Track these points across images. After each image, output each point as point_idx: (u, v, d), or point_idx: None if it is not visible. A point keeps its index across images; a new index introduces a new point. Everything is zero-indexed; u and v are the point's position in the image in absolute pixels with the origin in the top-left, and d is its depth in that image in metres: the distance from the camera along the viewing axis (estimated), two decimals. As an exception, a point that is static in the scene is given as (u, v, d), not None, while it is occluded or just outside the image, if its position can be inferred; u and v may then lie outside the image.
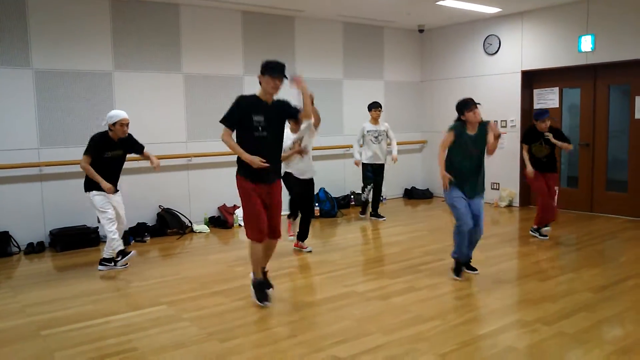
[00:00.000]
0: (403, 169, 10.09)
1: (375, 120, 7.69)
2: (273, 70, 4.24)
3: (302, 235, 6.16)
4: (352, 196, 9.08)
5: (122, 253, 5.61)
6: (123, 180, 6.95)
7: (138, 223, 7.10)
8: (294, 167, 5.99)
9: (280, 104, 4.43)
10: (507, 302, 4.40)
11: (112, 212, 5.48)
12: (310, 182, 6.10)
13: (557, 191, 6.59)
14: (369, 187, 7.80)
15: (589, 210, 8.22)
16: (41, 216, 6.63)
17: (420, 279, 5.02)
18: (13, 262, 6.06)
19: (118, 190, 5.64)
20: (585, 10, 7.76)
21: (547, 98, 8.60)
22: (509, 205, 8.89)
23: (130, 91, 7.14)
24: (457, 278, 4.96)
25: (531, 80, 8.76)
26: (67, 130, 6.71)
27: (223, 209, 7.83)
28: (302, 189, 6.06)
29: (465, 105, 4.87)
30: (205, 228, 7.51)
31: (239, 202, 7.94)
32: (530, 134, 6.49)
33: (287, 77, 4.29)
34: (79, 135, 6.62)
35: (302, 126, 5.52)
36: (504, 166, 8.85)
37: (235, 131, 4.33)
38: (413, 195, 9.98)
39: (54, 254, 6.37)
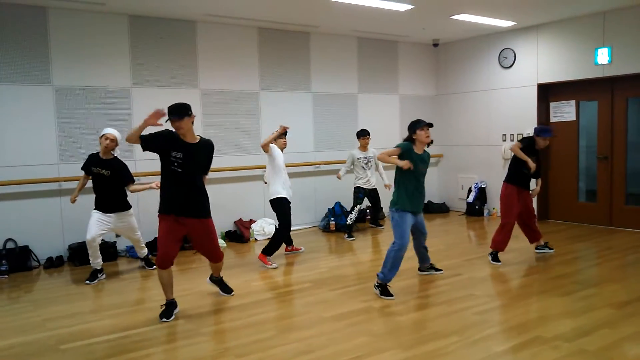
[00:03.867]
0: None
1: (364, 148, 7.84)
2: (168, 115, 4.35)
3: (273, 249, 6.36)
4: (367, 210, 9.06)
5: (93, 275, 5.80)
6: (140, 195, 7.01)
7: (155, 237, 7.14)
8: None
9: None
10: (526, 318, 4.35)
11: (92, 236, 5.62)
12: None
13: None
14: (357, 207, 7.82)
15: (608, 225, 8.12)
16: (60, 231, 6.71)
17: (438, 294, 4.99)
18: (33, 276, 6.13)
19: (119, 212, 5.83)
20: (602, 22, 7.73)
21: (564, 111, 8.55)
22: (526, 219, 8.80)
23: (147, 107, 7.16)
24: (389, 297, 4.91)
25: (547, 93, 8.73)
26: (86, 146, 6.79)
27: (239, 223, 7.86)
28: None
29: (418, 124, 5.02)
30: (221, 242, 7.53)
31: (255, 216, 8.05)
32: (530, 147, 6.13)
33: (179, 116, 4.32)
34: (97, 151, 6.70)
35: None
36: (520, 180, 8.79)
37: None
38: (429, 209, 9.92)
39: (73, 268, 6.44)
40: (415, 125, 5.00)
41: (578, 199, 8.58)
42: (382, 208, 8.59)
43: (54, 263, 6.51)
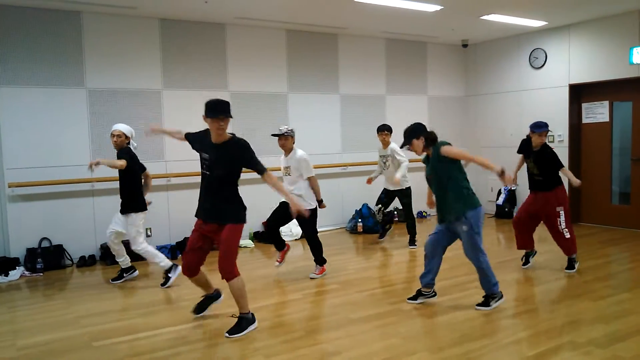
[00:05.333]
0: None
1: (383, 145, 7.20)
2: (213, 112, 4.05)
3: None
4: (395, 212, 9.03)
5: (120, 274, 5.87)
6: (170, 196, 7.21)
7: (185, 237, 7.24)
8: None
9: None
10: (557, 322, 4.27)
11: (107, 233, 5.75)
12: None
13: (560, 213, 5.65)
14: (376, 207, 7.43)
15: (643, 228, 7.93)
16: (92, 230, 6.85)
17: (468, 297, 4.93)
18: (66, 274, 6.27)
19: (129, 219, 5.57)
20: (637, 20, 7.55)
21: (597, 112, 8.38)
22: (558, 222, 8.65)
23: (178, 109, 7.34)
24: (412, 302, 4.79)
25: (579, 94, 8.56)
26: (118, 147, 6.94)
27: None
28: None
29: (414, 135, 4.58)
30: (250, 243, 7.61)
31: (283, 218, 8.08)
32: (524, 146, 5.86)
33: (227, 115, 4.05)
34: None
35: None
36: (551, 182, 8.65)
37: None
38: (457, 211, 9.82)
39: (105, 267, 6.57)
40: (412, 136, 4.59)
41: (611, 202, 8.40)
42: (414, 218, 7.50)
43: (86, 262, 6.65)
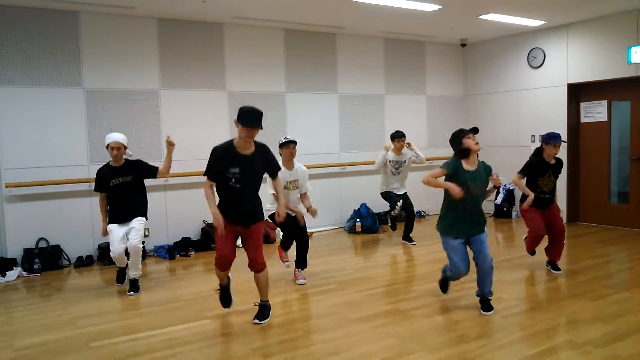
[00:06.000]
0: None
1: (398, 151, 7.15)
2: (248, 121, 4.07)
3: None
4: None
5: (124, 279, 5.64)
6: (168, 196, 7.19)
7: (183, 238, 7.23)
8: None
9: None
10: (555, 322, 4.26)
11: (119, 252, 5.26)
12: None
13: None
14: (398, 203, 7.06)
15: (642, 227, 7.93)
16: (90, 231, 6.83)
17: (466, 297, 4.92)
18: (64, 275, 6.26)
19: (136, 218, 5.38)
20: (635, 20, 7.55)
21: (595, 111, 8.38)
22: (556, 222, 8.64)
23: (175, 109, 7.33)
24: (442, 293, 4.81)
25: (578, 93, 8.56)
26: (116, 147, 6.92)
27: (266, 224, 7.86)
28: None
29: (461, 133, 4.36)
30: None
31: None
32: (537, 166, 5.47)
33: (259, 127, 4.10)
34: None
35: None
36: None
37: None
38: (456, 210, 9.82)
39: (102, 267, 6.55)
40: (460, 135, 4.34)
41: (610, 201, 8.40)
42: (414, 217, 7.54)
43: (84, 262, 6.63)
